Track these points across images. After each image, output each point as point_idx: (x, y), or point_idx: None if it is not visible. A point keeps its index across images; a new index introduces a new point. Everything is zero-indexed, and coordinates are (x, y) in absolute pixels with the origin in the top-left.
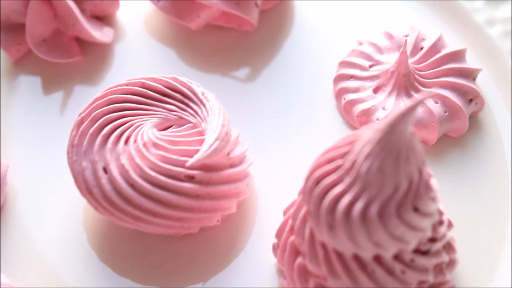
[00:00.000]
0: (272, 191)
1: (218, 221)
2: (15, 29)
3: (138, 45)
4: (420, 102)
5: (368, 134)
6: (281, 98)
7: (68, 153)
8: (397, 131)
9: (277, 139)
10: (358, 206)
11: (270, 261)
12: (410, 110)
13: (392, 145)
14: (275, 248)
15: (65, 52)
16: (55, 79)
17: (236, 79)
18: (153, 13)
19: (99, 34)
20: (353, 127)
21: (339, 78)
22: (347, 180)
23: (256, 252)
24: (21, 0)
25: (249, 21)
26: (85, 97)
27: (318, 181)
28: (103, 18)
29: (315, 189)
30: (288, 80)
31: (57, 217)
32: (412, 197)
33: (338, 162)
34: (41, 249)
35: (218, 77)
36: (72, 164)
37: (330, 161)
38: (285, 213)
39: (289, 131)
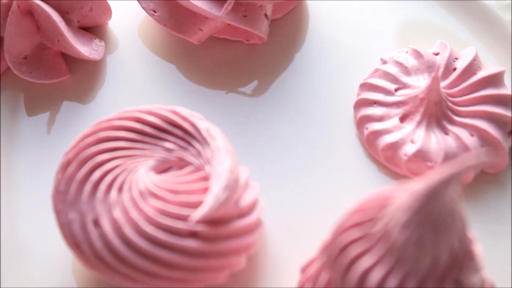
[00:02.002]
0: (286, 241)
1: (225, 278)
2: None
3: (132, 58)
4: (469, 169)
5: (404, 199)
6: (294, 124)
7: (53, 199)
8: (438, 199)
9: (290, 176)
10: (392, 282)
11: None
12: (455, 177)
13: (431, 214)
14: None
15: (50, 71)
16: (40, 98)
17: (242, 98)
18: (150, 22)
19: (88, 50)
20: (378, 162)
21: (360, 104)
22: (378, 251)
23: None
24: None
25: (257, 34)
26: (73, 119)
27: (344, 248)
28: (92, 28)
29: (341, 258)
30: (301, 103)
31: (44, 262)
32: (453, 270)
33: (366, 227)
34: None
35: (222, 95)
36: (57, 213)
37: (357, 225)
38: (302, 271)
39: (304, 165)
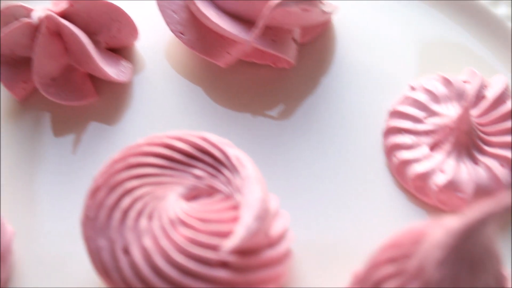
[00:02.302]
0: (316, 271)
1: None
2: (20, 65)
3: (159, 79)
4: (508, 208)
5: (439, 235)
6: (322, 150)
7: (82, 225)
8: (476, 237)
9: (318, 203)
10: None
11: None
12: (493, 216)
13: (468, 252)
14: None
15: (77, 93)
16: (66, 119)
17: (269, 123)
18: (177, 44)
19: (116, 72)
20: (407, 191)
21: (389, 131)
22: None
23: None
24: (27, 32)
25: (286, 59)
26: (99, 141)
27: (378, 283)
28: (119, 49)
29: None
30: (329, 128)
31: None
32: None
33: (401, 263)
34: None
35: (249, 119)
36: (87, 240)
37: (391, 260)
38: None
39: (333, 193)
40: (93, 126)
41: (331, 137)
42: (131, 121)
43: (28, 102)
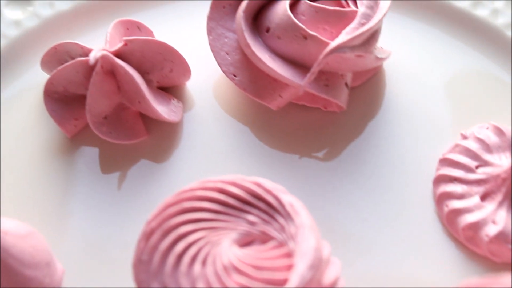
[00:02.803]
0: None
1: None
2: (72, 102)
3: (208, 119)
4: None
5: None
6: (371, 195)
7: (134, 268)
8: None
9: (367, 250)
10: None
11: None
12: None
13: None
14: None
15: (129, 132)
16: (115, 157)
17: (318, 165)
18: (226, 83)
19: (167, 111)
20: (457, 240)
21: (440, 180)
22: None
23: None
24: (81, 71)
25: (337, 103)
26: (148, 179)
27: None
28: (170, 88)
29: None
30: (379, 173)
31: None
32: None
33: None
34: None
35: (297, 161)
36: (139, 283)
37: None
38: None
39: (382, 239)
40: (142, 164)
41: (380, 182)
42: (180, 160)
43: (78, 138)
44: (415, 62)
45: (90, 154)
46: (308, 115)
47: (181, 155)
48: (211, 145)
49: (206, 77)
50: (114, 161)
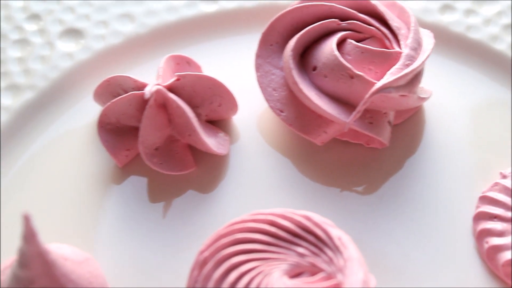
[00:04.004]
0: None
1: None
2: (123, 133)
3: (253, 152)
4: None
5: None
6: (412, 230)
7: None
8: None
9: (410, 282)
10: None
11: None
12: None
13: None
14: None
15: (178, 163)
16: (164, 187)
17: (360, 201)
18: (272, 118)
19: (215, 144)
20: (497, 277)
21: (480, 217)
22: None
23: None
24: (134, 103)
25: (380, 140)
26: (196, 210)
27: None
28: (216, 121)
29: None
30: (418, 210)
31: None
32: None
33: None
34: None
35: (340, 195)
36: None
37: None
38: None
39: (423, 273)
40: (189, 195)
41: (421, 218)
42: (226, 192)
43: (128, 168)
44: (454, 101)
45: (139, 183)
46: (350, 151)
47: (227, 187)
48: (256, 177)
49: (251, 111)
50: (162, 191)
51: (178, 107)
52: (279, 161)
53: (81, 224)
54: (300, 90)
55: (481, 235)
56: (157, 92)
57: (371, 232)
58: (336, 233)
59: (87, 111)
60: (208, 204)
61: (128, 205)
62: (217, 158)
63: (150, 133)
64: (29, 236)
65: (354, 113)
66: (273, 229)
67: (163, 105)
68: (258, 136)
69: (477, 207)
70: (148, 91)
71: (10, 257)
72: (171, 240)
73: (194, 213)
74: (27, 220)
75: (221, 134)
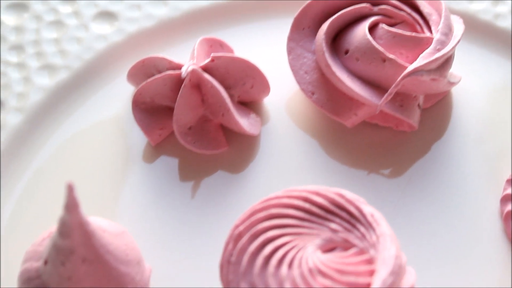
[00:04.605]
0: None
1: None
2: (158, 113)
3: (283, 134)
4: None
5: None
6: (439, 211)
7: (222, 269)
8: None
9: (437, 262)
10: None
11: None
12: None
13: None
14: None
15: (211, 143)
16: (195, 166)
17: (389, 183)
18: (301, 100)
19: (248, 125)
20: None
21: (507, 199)
22: None
23: None
24: (169, 83)
25: (409, 123)
26: (226, 189)
27: None
28: (248, 103)
29: None
30: (446, 191)
31: None
32: None
33: None
34: None
35: (369, 178)
36: (227, 283)
37: None
38: None
39: (450, 253)
40: (219, 174)
41: (448, 200)
42: (256, 172)
43: (160, 147)
44: (481, 87)
45: (171, 162)
46: (379, 134)
47: (257, 168)
48: (286, 159)
49: (281, 94)
50: (194, 171)
51: (213, 87)
52: (308, 143)
53: (113, 200)
54: (333, 73)
55: (508, 217)
56: (193, 72)
57: (399, 214)
58: (369, 210)
59: (119, 92)
60: (238, 184)
61: (160, 184)
62: (248, 139)
63: (184, 112)
64: (72, 205)
65: (386, 95)
66: (307, 205)
67: (197, 86)
68: (288, 119)
69: (505, 189)
70: (184, 70)
71: (47, 229)
72: (202, 218)
73: (225, 192)
74: (70, 190)
75: (253, 115)
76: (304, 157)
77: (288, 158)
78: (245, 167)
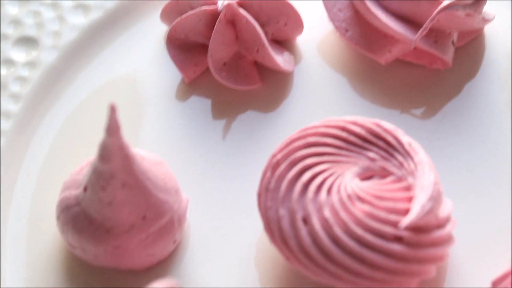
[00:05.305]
0: (474, 255)
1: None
2: (192, 49)
3: (315, 72)
4: None
5: None
6: (473, 147)
7: (259, 196)
8: None
9: (473, 195)
10: None
11: None
12: None
13: None
14: None
15: (245, 79)
16: (226, 104)
17: (419, 122)
18: (333, 38)
19: (282, 61)
20: None
21: None
22: None
23: None
24: (203, 20)
25: (443, 60)
26: (259, 126)
27: None
28: (281, 42)
29: None
30: (478, 130)
31: (229, 253)
32: None
33: None
34: (211, 286)
35: (397, 115)
36: (265, 209)
37: None
38: (495, 284)
39: (485, 187)
40: (252, 112)
41: (481, 137)
42: (289, 110)
43: (194, 84)
44: None
45: (204, 100)
46: (412, 72)
47: (290, 105)
48: (318, 97)
49: (314, 33)
50: (226, 108)
51: (248, 22)
52: (341, 82)
53: (147, 135)
54: (368, 9)
55: None
56: (228, 6)
57: (432, 153)
58: (406, 139)
59: (153, 30)
60: (271, 120)
61: (193, 121)
62: (281, 77)
63: (219, 48)
64: (113, 128)
65: (421, 29)
66: (344, 134)
67: (232, 22)
68: (321, 58)
69: None
70: (220, 4)
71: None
72: (237, 153)
73: (258, 129)
74: (112, 111)
75: (286, 53)
76: (337, 96)
77: (320, 97)
78: (278, 105)
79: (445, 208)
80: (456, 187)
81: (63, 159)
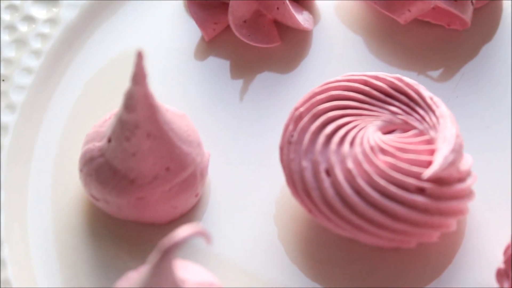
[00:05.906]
0: (493, 211)
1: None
2: (212, 7)
3: (334, 32)
4: None
5: None
6: (491, 105)
7: (281, 149)
8: None
9: (492, 152)
10: None
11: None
12: None
13: None
14: (500, 274)
15: (265, 37)
16: (245, 63)
17: (439, 79)
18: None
19: (302, 19)
20: None
21: None
22: None
23: (473, 276)
24: None
25: (462, 19)
26: (279, 84)
27: None
28: (300, 2)
29: None
30: (495, 91)
31: (249, 209)
32: None
33: None
34: (231, 242)
35: (414, 77)
36: (287, 162)
37: None
38: None
39: (505, 143)
40: (271, 71)
41: (498, 98)
42: (308, 69)
43: (213, 42)
44: None
45: (223, 59)
46: (430, 33)
47: (309, 64)
48: (337, 57)
49: None
50: (246, 67)
51: None
52: (359, 42)
53: (165, 93)
54: None
55: None
56: None
57: (452, 108)
58: (428, 93)
59: None
60: (290, 79)
61: (213, 78)
62: (300, 37)
63: (240, 5)
64: (139, 76)
65: None
66: (366, 88)
67: None
68: (340, 17)
69: None
70: None
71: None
72: (257, 110)
73: (277, 87)
74: (139, 58)
75: (305, 12)
76: (355, 56)
77: (339, 57)
78: (297, 65)
79: (466, 163)
80: (476, 143)
81: (84, 114)
